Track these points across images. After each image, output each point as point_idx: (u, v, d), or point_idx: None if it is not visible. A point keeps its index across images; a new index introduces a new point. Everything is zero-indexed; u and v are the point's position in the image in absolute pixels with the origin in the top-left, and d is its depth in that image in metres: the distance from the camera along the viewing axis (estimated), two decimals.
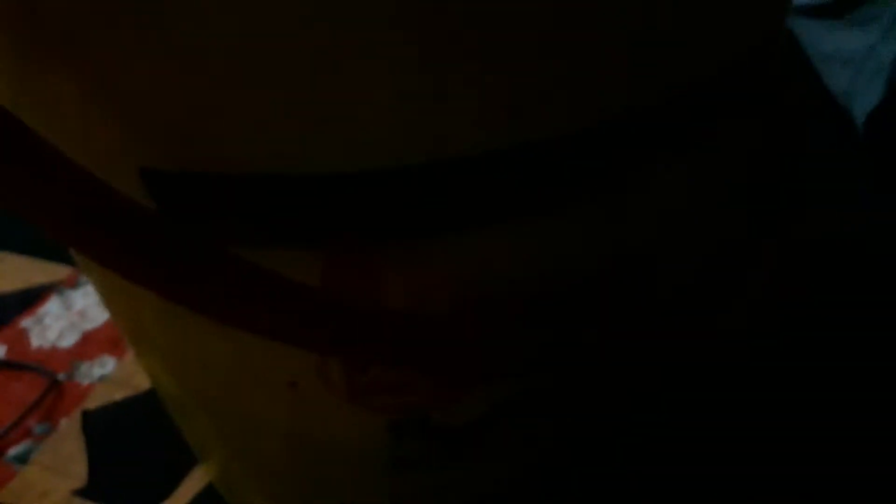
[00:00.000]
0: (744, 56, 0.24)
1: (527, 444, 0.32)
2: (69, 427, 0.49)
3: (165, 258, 0.18)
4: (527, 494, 0.34)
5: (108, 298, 0.30)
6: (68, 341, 0.55)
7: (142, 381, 0.50)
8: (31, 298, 0.59)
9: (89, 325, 0.56)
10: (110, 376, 0.52)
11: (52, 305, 0.58)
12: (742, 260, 0.36)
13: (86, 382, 0.52)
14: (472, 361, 0.24)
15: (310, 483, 0.33)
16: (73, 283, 0.60)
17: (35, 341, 0.56)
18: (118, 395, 0.51)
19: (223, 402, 0.30)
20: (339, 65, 0.19)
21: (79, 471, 0.46)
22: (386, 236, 0.22)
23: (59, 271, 0.61)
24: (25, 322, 0.57)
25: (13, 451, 0.48)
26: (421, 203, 0.21)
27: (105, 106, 0.20)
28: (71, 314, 0.57)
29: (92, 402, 0.50)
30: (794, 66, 0.60)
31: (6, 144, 0.16)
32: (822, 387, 0.41)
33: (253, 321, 0.19)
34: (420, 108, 0.20)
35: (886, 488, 0.36)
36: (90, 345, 0.55)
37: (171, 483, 0.44)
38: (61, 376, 0.53)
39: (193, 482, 0.44)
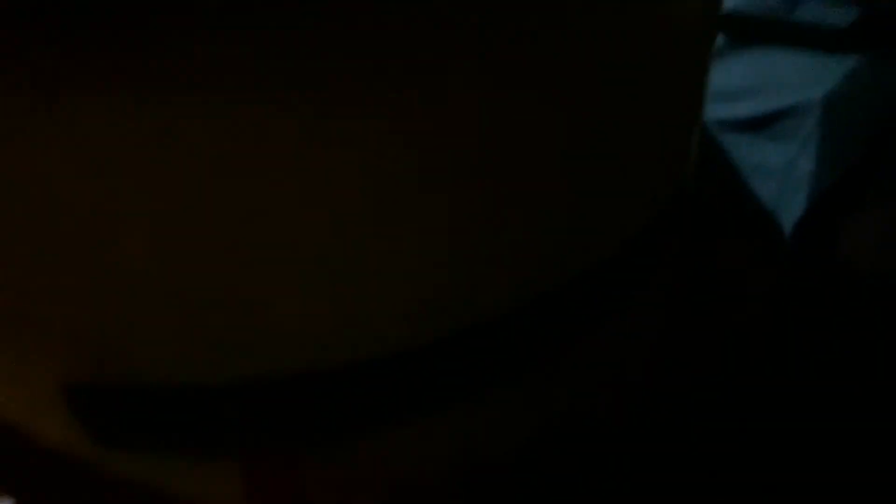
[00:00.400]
0: (641, 235, 0.25)
1: None
2: None
3: None
4: None
5: None
6: None
7: None
8: None
9: None
10: None
11: None
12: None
13: None
14: None
15: None
16: None
17: None
18: None
19: None
20: (250, 280, 0.20)
21: None
22: (306, 440, 0.22)
23: None
24: None
25: None
26: (339, 404, 0.22)
27: (28, 325, 0.21)
28: None
29: None
30: (725, 178, 0.62)
31: None
32: None
33: None
34: (334, 309, 0.21)
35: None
36: None
37: None
38: None
39: None
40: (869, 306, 0.52)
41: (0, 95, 0.16)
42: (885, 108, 0.53)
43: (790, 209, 0.57)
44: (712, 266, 0.58)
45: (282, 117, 0.17)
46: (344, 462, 0.23)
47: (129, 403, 0.21)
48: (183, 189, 0.18)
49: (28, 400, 0.21)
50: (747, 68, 0.60)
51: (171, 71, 0.16)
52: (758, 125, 0.59)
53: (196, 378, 0.21)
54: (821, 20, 0.55)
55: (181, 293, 0.20)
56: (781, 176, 0.58)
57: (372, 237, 0.20)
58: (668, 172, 0.27)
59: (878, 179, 0.54)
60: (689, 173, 0.32)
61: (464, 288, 0.21)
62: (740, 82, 0.60)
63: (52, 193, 0.18)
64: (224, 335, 0.20)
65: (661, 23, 0.22)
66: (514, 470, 0.27)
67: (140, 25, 0.16)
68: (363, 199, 0.19)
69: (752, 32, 0.60)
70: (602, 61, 0.21)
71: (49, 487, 0.18)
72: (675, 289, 0.31)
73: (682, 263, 0.33)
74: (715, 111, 0.63)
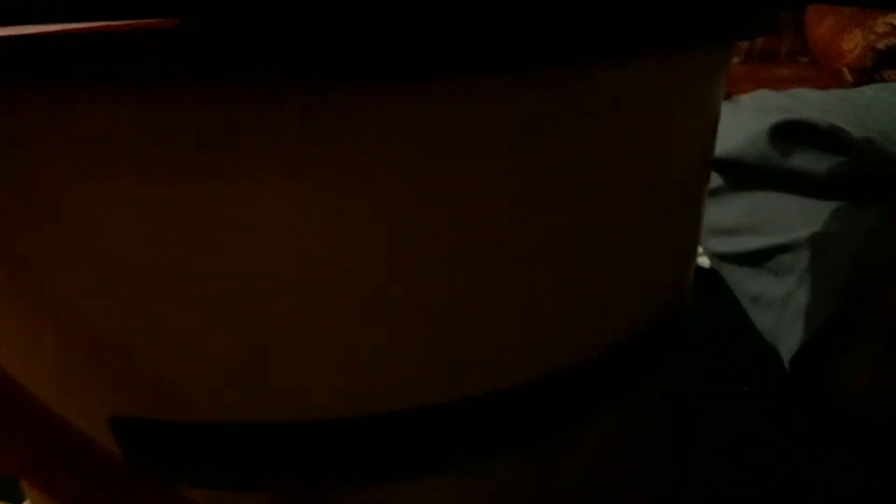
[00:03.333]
0: (656, 324, 0.27)
1: None
2: None
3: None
4: None
5: None
6: None
7: None
8: None
9: None
10: None
11: None
12: None
13: None
14: None
15: None
16: None
17: None
18: None
19: None
20: (292, 328, 0.21)
21: None
22: (330, 483, 0.23)
23: None
24: None
25: None
26: (364, 452, 0.23)
27: (78, 361, 0.22)
28: None
29: None
30: (725, 307, 0.64)
31: None
32: None
33: None
34: (364, 363, 0.22)
35: None
36: None
37: None
38: None
39: None
40: (865, 436, 0.53)
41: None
42: (873, 246, 0.56)
43: (788, 340, 0.58)
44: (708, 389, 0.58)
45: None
46: None
47: (173, 437, 0.22)
48: (269, 246, 0.20)
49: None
50: (744, 207, 0.64)
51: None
52: (756, 259, 0.62)
53: (239, 416, 0.22)
54: (810, 167, 0.60)
55: (241, 340, 0.21)
56: (779, 308, 0.60)
57: (412, 298, 0.21)
58: (669, 280, 0.29)
59: (870, 316, 0.56)
60: (688, 288, 0.34)
61: (494, 350, 0.23)
62: (738, 220, 0.64)
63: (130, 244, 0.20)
64: (272, 380, 0.22)
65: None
66: None
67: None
68: (414, 256, 0.21)
69: (748, 176, 0.64)
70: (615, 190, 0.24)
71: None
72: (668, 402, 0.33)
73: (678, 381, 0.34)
74: (714, 245, 0.67)
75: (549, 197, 0.21)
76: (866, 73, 1.05)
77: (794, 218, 0.60)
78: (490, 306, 0.22)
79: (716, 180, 0.67)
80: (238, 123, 0.18)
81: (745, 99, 0.71)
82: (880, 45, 1.06)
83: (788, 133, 0.60)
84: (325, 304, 0.21)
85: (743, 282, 0.63)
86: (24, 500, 0.57)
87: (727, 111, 0.63)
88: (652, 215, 0.25)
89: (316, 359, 0.21)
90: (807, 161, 0.59)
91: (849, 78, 1.07)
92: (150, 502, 0.19)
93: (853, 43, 1.09)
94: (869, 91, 0.69)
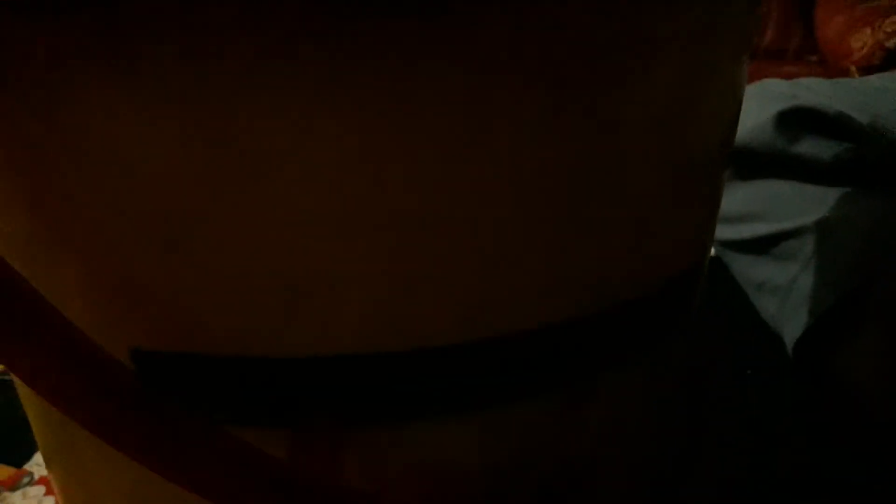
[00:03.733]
0: (676, 280, 0.28)
1: None
2: None
3: (146, 424, 0.19)
4: None
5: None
6: None
7: None
8: None
9: None
10: None
11: None
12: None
13: None
14: None
15: None
16: (12, 484, 0.57)
17: None
18: None
19: None
20: (323, 265, 0.22)
21: None
22: (354, 421, 0.23)
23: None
24: None
25: None
26: (389, 390, 0.23)
27: (104, 289, 0.23)
28: None
29: None
30: (727, 293, 0.65)
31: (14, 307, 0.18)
32: None
33: (226, 493, 0.20)
34: (394, 298, 0.23)
35: None
36: None
37: None
38: None
39: None
40: (868, 422, 0.53)
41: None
42: (879, 233, 0.56)
43: (792, 326, 0.59)
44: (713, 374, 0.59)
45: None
46: (384, 448, 0.24)
47: (196, 371, 0.23)
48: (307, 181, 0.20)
49: None
50: (750, 195, 0.64)
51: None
52: (761, 246, 0.62)
53: (261, 351, 0.23)
54: (816, 153, 0.60)
55: (257, 273, 0.22)
56: (784, 294, 0.60)
57: (439, 235, 0.22)
58: (691, 236, 0.30)
59: (874, 302, 0.56)
60: (708, 247, 0.34)
61: (521, 291, 0.23)
62: (743, 207, 0.64)
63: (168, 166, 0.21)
64: (301, 314, 0.22)
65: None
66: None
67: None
68: (446, 198, 0.21)
69: (753, 164, 0.65)
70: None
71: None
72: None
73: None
74: (719, 233, 0.67)
75: (585, 140, 0.22)
76: (875, 72, 1.05)
77: (799, 204, 0.60)
78: (519, 247, 0.23)
79: None
80: (297, 48, 0.18)
81: (751, 88, 0.72)
82: (889, 44, 1.06)
83: (794, 120, 0.60)
84: (357, 240, 0.21)
85: (747, 269, 0.63)
86: (25, 462, 0.58)
87: None
88: (681, 171, 0.26)
89: (345, 293, 0.22)
90: (813, 148, 0.60)
91: (857, 77, 1.07)
92: (172, 429, 0.20)
93: (862, 41, 1.09)
94: (875, 79, 0.70)
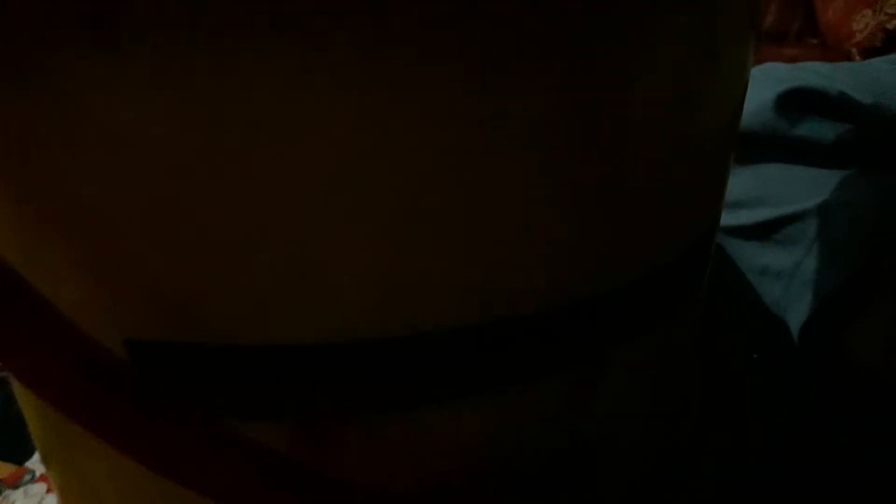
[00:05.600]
0: (681, 257, 0.27)
1: None
2: None
3: (142, 418, 0.19)
4: None
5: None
6: None
7: None
8: None
9: None
10: None
11: None
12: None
13: None
14: None
15: None
16: (13, 482, 0.57)
17: None
18: None
19: None
20: (322, 251, 0.21)
21: None
22: (358, 409, 0.23)
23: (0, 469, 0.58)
24: None
25: None
26: (395, 376, 0.23)
27: (97, 277, 0.22)
28: None
29: None
30: (729, 280, 0.64)
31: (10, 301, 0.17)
32: None
33: (226, 487, 0.20)
34: (398, 283, 0.22)
35: None
36: None
37: None
38: None
39: None
40: (877, 406, 0.53)
41: None
42: (882, 213, 0.56)
43: (798, 310, 0.58)
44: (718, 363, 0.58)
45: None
46: (390, 435, 0.23)
47: (191, 360, 0.22)
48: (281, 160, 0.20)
49: None
50: (750, 180, 0.64)
51: None
52: (763, 231, 0.62)
53: (259, 339, 0.22)
54: (818, 135, 0.59)
55: (254, 257, 0.21)
56: (788, 278, 0.60)
57: (438, 219, 0.21)
58: (701, 209, 0.30)
59: (883, 282, 0.56)
60: (717, 222, 0.34)
61: (527, 273, 0.23)
62: (744, 192, 0.64)
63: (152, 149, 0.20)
64: (289, 299, 0.22)
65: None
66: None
67: None
68: (439, 178, 0.21)
69: (754, 148, 0.64)
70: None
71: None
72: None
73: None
74: (721, 220, 0.67)
75: (594, 118, 0.22)
76: (876, 55, 1.04)
77: (801, 188, 0.60)
78: (527, 228, 0.22)
79: None
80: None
81: (752, 71, 0.71)
82: (891, 26, 1.05)
83: (795, 101, 0.60)
84: (356, 222, 0.21)
85: (750, 255, 0.63)
86: (27, 460, 0.58)
87: None
88: (691, 147, 0.25)
89: (346, 279, 0.22)
90: (815, 129, 0.59)
91: (857, 59, 1.06)
92: (169, 423, 0.20)
93: (864, 23, 1.08)
94: (877, 62, 0.69)
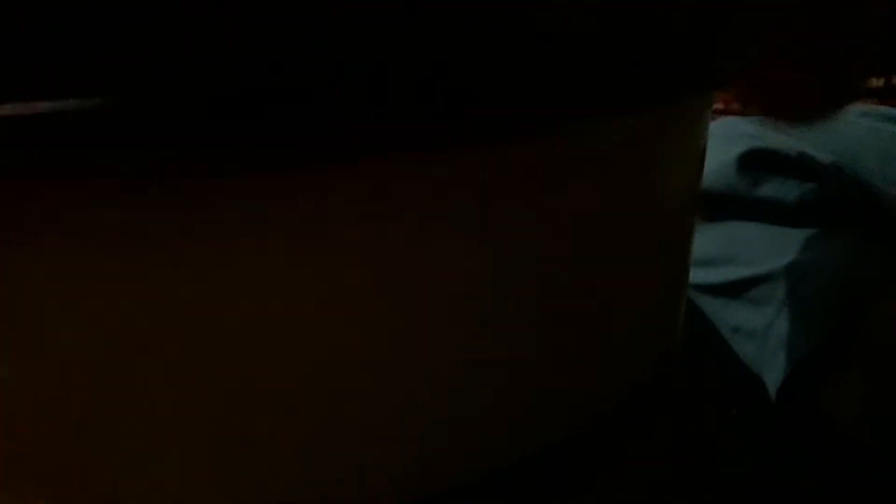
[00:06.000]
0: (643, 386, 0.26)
1: None
2: None
3: None
4: None
5: None
6: None
7: None
8: None
9: None
10: None
11: None
12: None
13: None
14: None
15: None
16: None
17: None
18: None
19: None
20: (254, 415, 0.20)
21: None
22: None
23: None
24: None
25: None
26: None
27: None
28: None
29: None
30: (705, 340, 0.64)
31: None
32: None
33: None
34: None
35: None
36: None
37: None
38: None
39: None
40: (855, 464, 0.52)
41: None
42: (847, 274, 0.56)
43: (772, 370, 0.58)
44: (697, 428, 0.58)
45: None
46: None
47: None
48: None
49: None
50: (718, 238, 0.64)
51: None
52: (732, 290, 0.62)
53: None
54: (780, 195, 0.60)
55: (188, 430, 0.20)
56: (761, 338, 0.59)
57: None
58: (658, 334, 0.29)
59: (854, 344, 0.56)
60: (678, 339, 0.33)
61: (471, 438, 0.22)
62: (713, 250, 0.63)
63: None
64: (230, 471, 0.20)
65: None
66: None
67: None
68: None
69: (720, 206, 0.64)
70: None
71: None
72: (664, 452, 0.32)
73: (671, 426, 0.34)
74: (691, 276, 0.66)
75: (537, 256, 0.21)
76: None
77: (768, 247, 0.60)
78: (474, 381, 0.21)
79: None
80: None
81: (713, 127, 0.72)
82: None
83: (756, 161, 0.60)
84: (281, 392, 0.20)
85: (721, 312, 0.63)
86: None
87: None
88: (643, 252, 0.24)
89: (274, 447, 0.20)
90: (776, 189, 0.59)
91: None
92: None
93: None
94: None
